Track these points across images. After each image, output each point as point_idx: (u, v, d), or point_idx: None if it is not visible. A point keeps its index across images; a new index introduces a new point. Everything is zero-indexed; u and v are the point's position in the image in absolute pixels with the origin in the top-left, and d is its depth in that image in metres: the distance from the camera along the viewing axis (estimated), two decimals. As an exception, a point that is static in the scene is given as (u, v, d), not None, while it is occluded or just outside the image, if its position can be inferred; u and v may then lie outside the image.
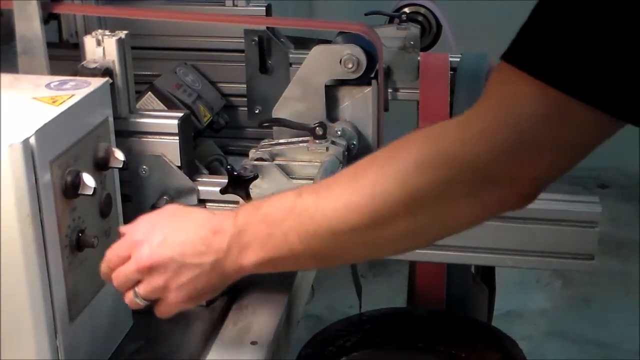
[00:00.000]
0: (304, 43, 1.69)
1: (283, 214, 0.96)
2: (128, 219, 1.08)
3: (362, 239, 0.93)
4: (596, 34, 0.75)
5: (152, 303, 1.03)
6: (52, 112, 0.98)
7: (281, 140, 1.38)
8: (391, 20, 1.79)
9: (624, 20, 0.74)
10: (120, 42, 1.16)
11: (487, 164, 0.85)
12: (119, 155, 1.08)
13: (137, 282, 1.01)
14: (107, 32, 1.17)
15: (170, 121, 1.21)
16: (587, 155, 0.86)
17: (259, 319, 1.25)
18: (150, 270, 0.99)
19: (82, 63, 1.16)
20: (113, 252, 1.03)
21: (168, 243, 0.99)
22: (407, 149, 0.91)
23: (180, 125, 1.21)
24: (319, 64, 1.42)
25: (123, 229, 1.05)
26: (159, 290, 1.00)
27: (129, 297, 1.02)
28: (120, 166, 1.09)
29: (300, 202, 0.95)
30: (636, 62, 0.75)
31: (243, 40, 1.63)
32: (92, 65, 1.15)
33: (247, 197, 1.21)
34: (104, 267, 1.04)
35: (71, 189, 0.99)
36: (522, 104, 0.81)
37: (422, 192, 0.88)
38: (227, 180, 1.25)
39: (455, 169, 0.87)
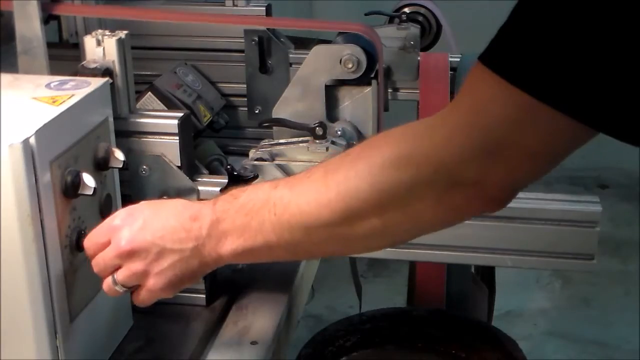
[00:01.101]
0: (304, 43, 1.68)
1: (258, 205, 0.96)
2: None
3: (333, 235, 0.94)
4: (570, 41, 0.74)
5: (130, 290, 1.02)
6: (52, 112, 0.98)
7: (281, 140, 1.37)
8: (391, 20, 1.79)
9: (597, 30, 0.73)
10: (120, 42, 1.16)
11: (453, 167, 0.84)
12: (119, 155, 1.08)
13: (117, 269, 1.00)
14: (107, 32, 1.17)
15: (170, 121, 1.21)
16: (561, 161, 0.84)
17: (259, 319, 1.25)
18: (130, 254, 0.99)
19: (82, 63, 1.16)
20: (91, 240, 1.02)
21: (148, 228, 0.99)
22: (378, 147, 0.91)
23: (180, 125, 1.21)
24: (319, 64, 1.42)
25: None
26: (139, 276, 1.00)
27: (107, 283, 1.01)
28: (120, 166, 1.09)
29: (275, 194, 0.96)
30: (609, 71, 0.73)
31: (243, 40, 1.63)
32: (92, 65, 1.15)
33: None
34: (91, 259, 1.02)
35: (71, 189, 0.99)
36: (493, 108, 0.80)
37: (390, 191, 0.88)
38: (227, 180, 1.25)
39: (421, 169, 0.86)
